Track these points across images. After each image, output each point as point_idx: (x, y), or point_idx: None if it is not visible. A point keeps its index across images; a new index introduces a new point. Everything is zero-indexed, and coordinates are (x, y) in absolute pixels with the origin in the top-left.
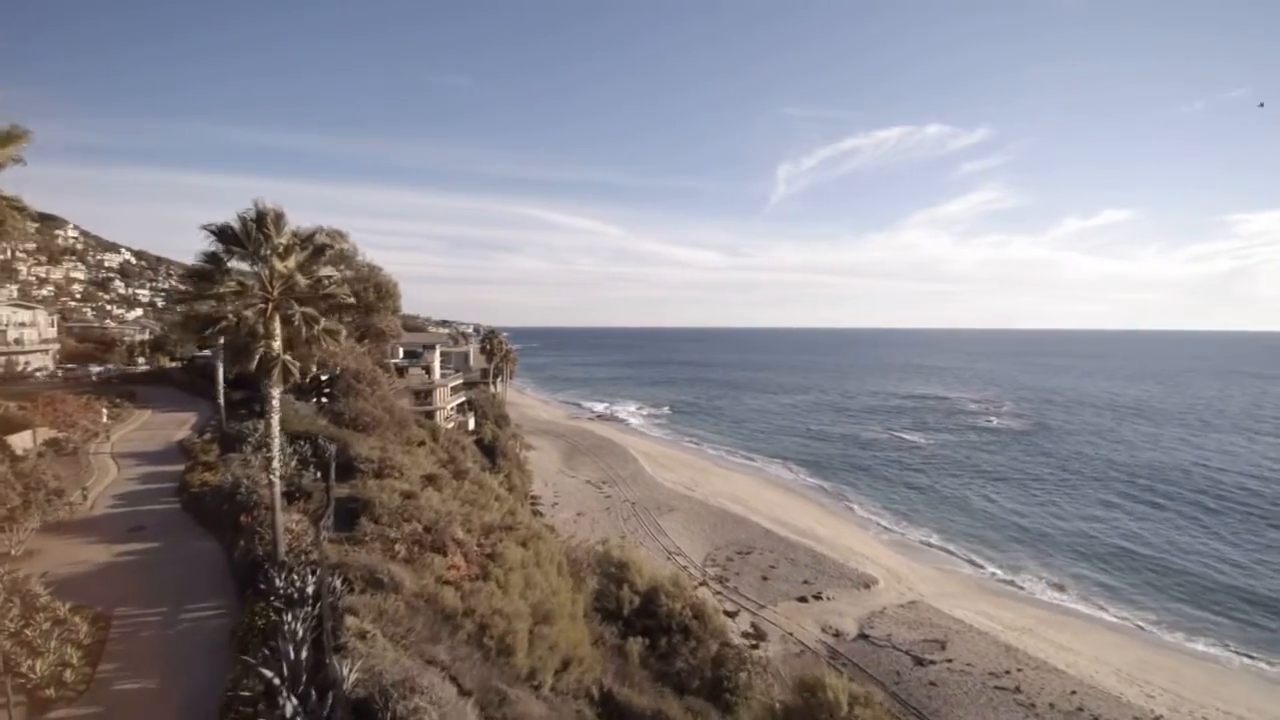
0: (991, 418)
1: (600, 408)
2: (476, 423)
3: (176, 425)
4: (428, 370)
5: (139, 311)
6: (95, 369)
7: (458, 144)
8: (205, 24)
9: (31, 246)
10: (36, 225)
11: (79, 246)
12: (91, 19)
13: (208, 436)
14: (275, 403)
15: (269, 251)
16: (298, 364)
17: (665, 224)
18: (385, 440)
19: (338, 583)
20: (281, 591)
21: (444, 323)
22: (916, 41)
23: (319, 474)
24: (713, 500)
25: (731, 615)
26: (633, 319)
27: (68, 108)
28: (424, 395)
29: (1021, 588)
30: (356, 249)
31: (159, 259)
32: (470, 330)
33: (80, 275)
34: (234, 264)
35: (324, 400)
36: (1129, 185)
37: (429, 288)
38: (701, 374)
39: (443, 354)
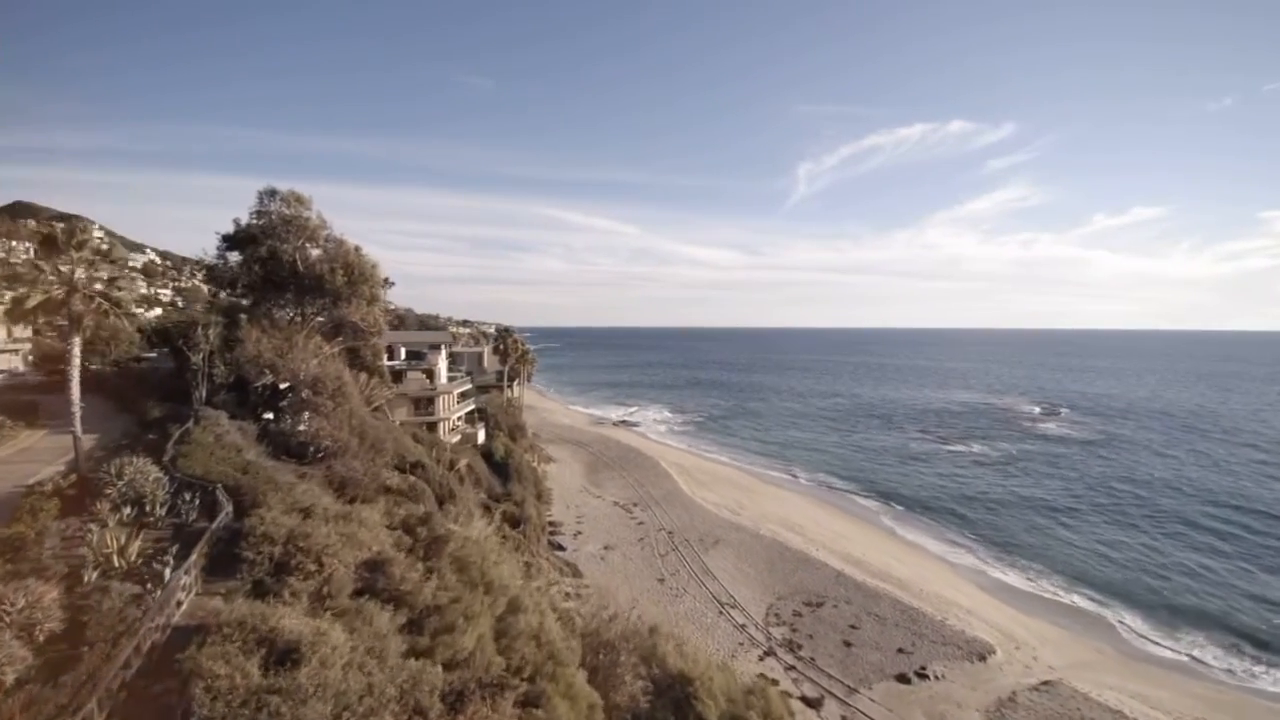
0: (1049, 425)
1: (625, 412)
2: (487, 434)
3: (57, 455)
4: (430, 375)
5: (159, 311)
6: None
7: (479, 145)
8: (230, 25)
9: None
10: (61, 226)
11: (103, 247)
12: (120, 22)
13: (70, 480)
14: None
15: None
16: None
17: (684, 223)
18: (348, 470)
19: None
20: None
21: (465, 322)
22: (938, 42)
23: (184, 553)
24: (765, 529)
25: (814, 705)
26: (653, 318)
27: (103, 113)
28: (425, 404)
29: (1165, 654)
30: (325, 221)
31: (184, 259)
32: (491, 330)
33: (102, 275)
34: None
35: (272, 418)
36: (1160, 181)
37: (452, 287)
38: (727, 376)
39: (453, 355)
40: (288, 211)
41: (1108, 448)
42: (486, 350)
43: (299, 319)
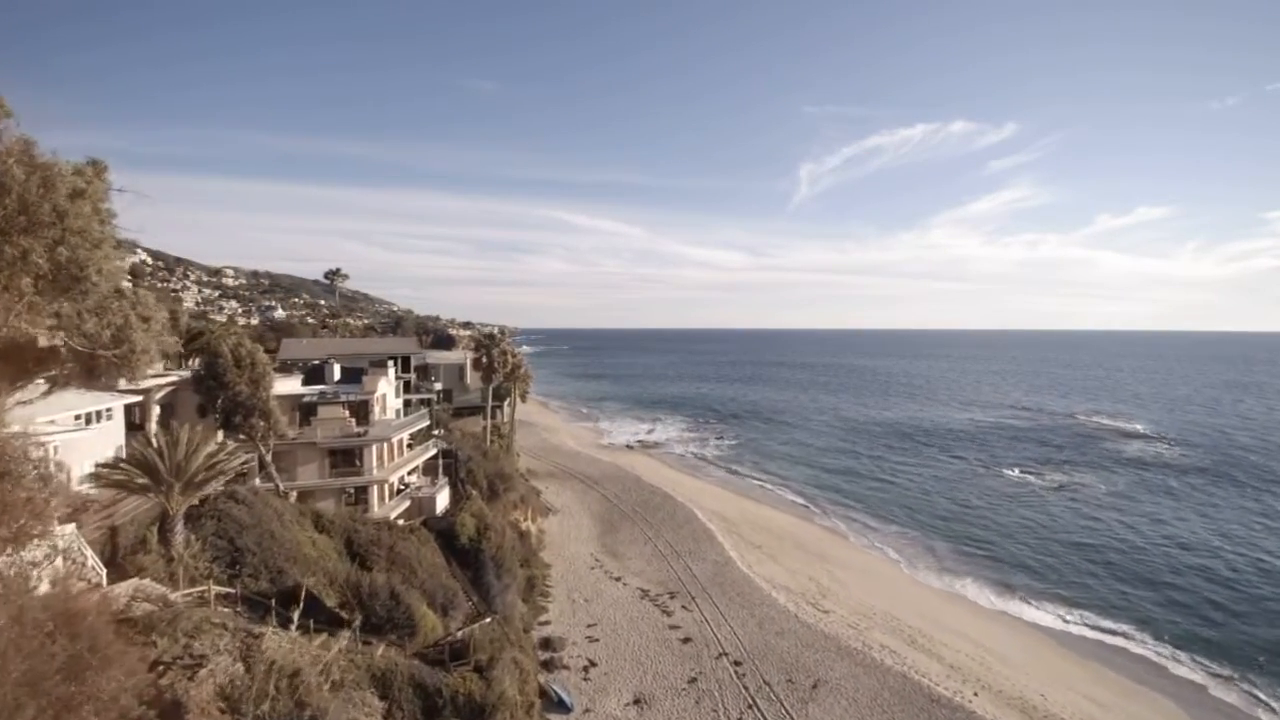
0: (1134, 446)
1: (641, 431)
2: (454, 494)
3: None
4: (361, 410)
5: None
6: None
7: (483, 148)
8: (231, 26)
9: None
10: None
11: None
12: (120, 23)
13: None
14: None
15: None
16: None
17: (687, 224)
18: None
19: None
20: None
21: (468, 324)
22: (940, 44)
23: None
24: (875, 646)
25: None
26: (659, 320)
27: (103, 114)
28: (348, 458)
29: None
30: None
31: (178, 259)
32: (496, 332)
33: None
34: None
35: None
36: (1164, 182)
37: (456, 289)
38: (746, 388)
39: (423, 368)
40: None
41: (1230, 481)
42: (469, 361)
43: None
